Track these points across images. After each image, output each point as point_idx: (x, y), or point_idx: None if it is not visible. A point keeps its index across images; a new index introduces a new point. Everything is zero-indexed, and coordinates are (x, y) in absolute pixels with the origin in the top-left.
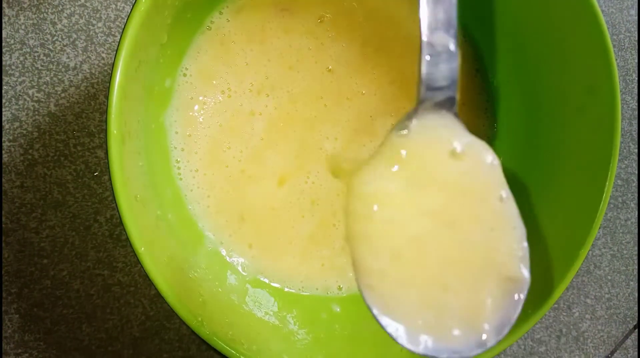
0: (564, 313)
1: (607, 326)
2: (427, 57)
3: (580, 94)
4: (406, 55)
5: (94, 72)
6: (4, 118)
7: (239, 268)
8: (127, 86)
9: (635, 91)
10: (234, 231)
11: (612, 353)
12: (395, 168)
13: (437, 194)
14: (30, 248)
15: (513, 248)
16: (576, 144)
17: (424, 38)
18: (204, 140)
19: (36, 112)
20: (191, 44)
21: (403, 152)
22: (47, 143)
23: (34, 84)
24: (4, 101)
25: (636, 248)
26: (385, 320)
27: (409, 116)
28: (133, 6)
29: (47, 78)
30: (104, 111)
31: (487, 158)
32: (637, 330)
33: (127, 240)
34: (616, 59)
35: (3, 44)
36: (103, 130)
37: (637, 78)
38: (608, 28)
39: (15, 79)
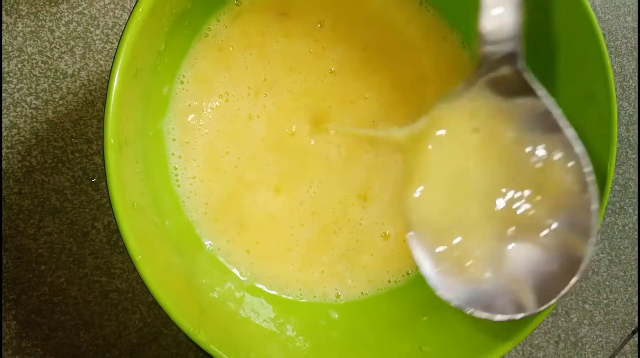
0: (562, 319)
1: (606, 331)
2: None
3: (577, 101)
4: (408, 60)
5: (91, 79)
6: (2, 125)
7: (237, 275)
8: (124, 93)
9: (632, 97)
10: (232, 237)
11: None
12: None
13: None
14: (28, 255)
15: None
16: None
17: None
18: (201, 146)
19: (34, 119)
20: (189, 51)
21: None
22: (45, 149)
23: (32, 91)
24: (2, 108)
25: (634, 253)
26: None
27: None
28: (131, 14)
29: (45, 85)
30: (101, 118)
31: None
32: (635, 335)
33: (125, 246)
34: (613, 66)
35: (1, 51)
36: (101, 137)
37: (633, 84)
38: (605, 35)
39: (13, 86)
